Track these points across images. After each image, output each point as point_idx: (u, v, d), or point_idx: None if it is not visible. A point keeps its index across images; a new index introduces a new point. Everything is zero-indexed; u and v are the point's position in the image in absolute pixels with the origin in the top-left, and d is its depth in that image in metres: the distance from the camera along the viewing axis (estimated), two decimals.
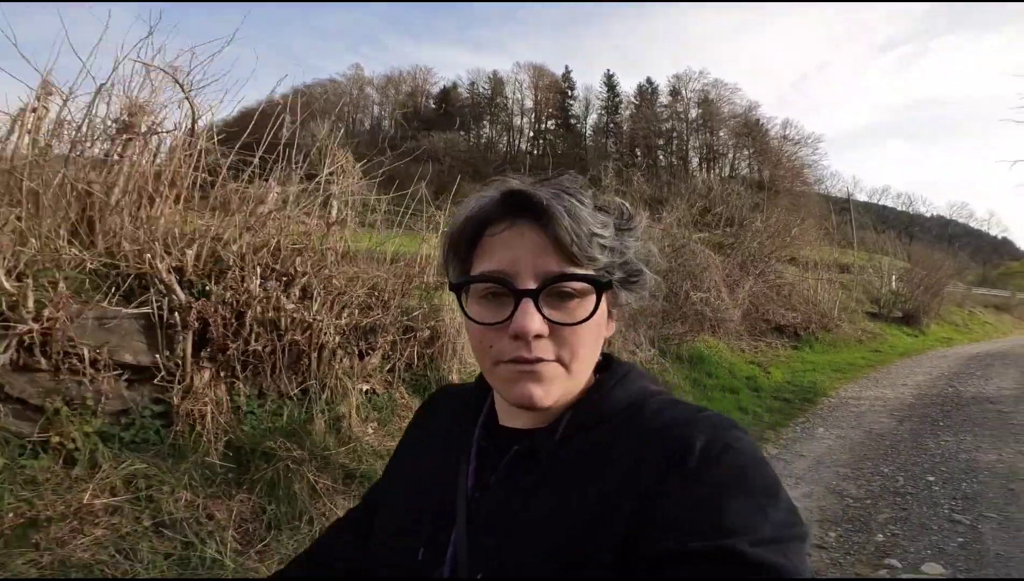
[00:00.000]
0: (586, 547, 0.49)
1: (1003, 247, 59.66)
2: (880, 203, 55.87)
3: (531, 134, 55.55)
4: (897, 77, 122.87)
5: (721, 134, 46.23)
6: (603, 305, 0.55)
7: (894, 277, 16.95)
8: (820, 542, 2.97)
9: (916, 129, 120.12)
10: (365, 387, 2.90)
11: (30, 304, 1.88)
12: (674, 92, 48.82)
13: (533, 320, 0.51)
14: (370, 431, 2.64)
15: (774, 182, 38.41)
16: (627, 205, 0.59)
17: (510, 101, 54.76)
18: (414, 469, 0.68)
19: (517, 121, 55.54)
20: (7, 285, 1.87)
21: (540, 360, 0.53)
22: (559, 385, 0.54)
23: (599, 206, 0.56)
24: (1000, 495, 3.65)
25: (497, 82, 55.18)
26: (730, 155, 46.46)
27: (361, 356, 2.99)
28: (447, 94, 55.72)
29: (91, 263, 2.11)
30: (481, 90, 55.37)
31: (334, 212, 3.30)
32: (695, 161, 47.29)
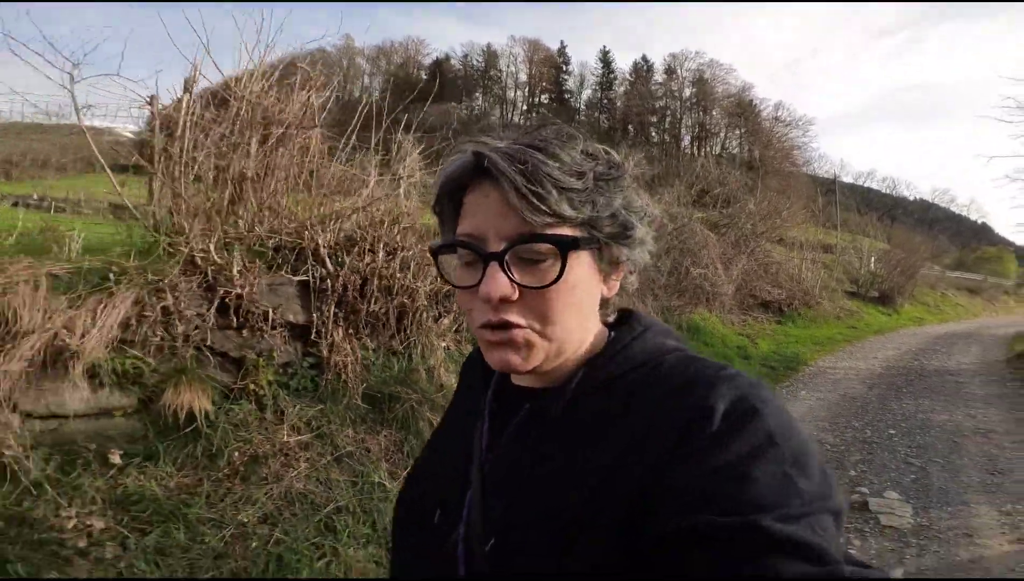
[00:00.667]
0: (592, 509, 0.47)
1: (982, 232, 60.56)
2: (866, 185, 56.96)
3: (525, 107, 55.31)
4: (893, 63, 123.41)
5: (714, 113, 46.57)
6: (582, 264, 0.53)
7: (873, 258, 17.73)
8: None
9: (907, 114, 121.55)
10: (443, 344, 3.55)
11: (235, 271, 2.44)
12: (669, 71, 48.79)
13: (497, 284, 0.50)
14: (453, 380, 3.31)
15: (764, 162, 39.11)
16: (613, 153, 0.56)
17: (504, 74, 54.25)
18: (443, 436, 0.70)
19: (511, 94, 55.21)
20: (216, 256, 2.44)
21: (510, 325, 0.52)
22: (539, 350, 0.53)
23: (590, 153, 0.53)
24: (946, 446, 4.48)
25: (491, 55, 54.45)
26: (722, 134, 46.98)
27: (437, 318, 3.62)
28: (440, 66, 54.85)
29: (269, 240, 2.68)
30: (475, 63, 54.65)
31: (401, 192, 3.86)
32: (687, 139, 47.82)
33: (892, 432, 4.80)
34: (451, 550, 0.54)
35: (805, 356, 8.20)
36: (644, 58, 51.09)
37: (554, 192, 0.49)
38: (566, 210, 0.50)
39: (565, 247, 0.50)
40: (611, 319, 0.61)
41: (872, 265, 17.41)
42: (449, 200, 0.56)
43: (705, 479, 0.43)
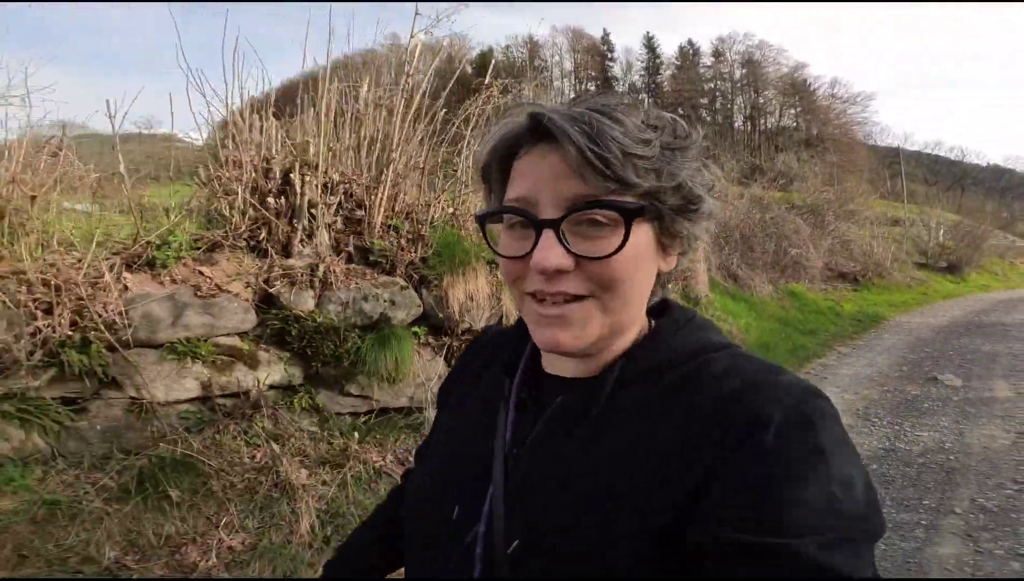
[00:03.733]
0: (636, 516, 0.45)
1: None
2: (933, 153, 55.31)
3: (572, 95, 56.37)
4: (962, 26, 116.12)
5: (767, 94, 47.02)
6: (643, 236, 0.49)
7: (942, 231, 18.63)
8: (899, 370, 6.32)
9: (972, 82, 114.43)
10: None
11: None
12: (717, 54, 49.42)
13: (552, 254, 0.47)
14: None
15: (822, 139, 39.69)
16: (681, 121, 0.52)
17: (548, 63, 55.66)
18: (454, 421, 0.66)
19: (557, 84, 56.67)
20: None
21: (564, 297, 0.48)
22: (594, 325, 0.49)
23: (650, 124, 0.49)
24: (986, 360, 6.92)
25: (534, 45, 55.82)
26: (776, 113, 47.39)
27: None
28: (484, 59, 56.53)
29: None
30: (518, 54, 56.16)
31: None
32: (739, 119, 48.44)
33: (951, 354, 7.24)
34: (468, 548, 0.52)
35: (884, 314, 10.50)
36: (690, 42, 51.70)
37: (620, 156, 0.46)
38: (631, 176, 0.46)
39: (630, 214, 0.47)
40: (656, 303, 0.57)
41: (941, 237, 18.32)
42: (498, 165, 0.53)
43: (750, 494, 0.42)
